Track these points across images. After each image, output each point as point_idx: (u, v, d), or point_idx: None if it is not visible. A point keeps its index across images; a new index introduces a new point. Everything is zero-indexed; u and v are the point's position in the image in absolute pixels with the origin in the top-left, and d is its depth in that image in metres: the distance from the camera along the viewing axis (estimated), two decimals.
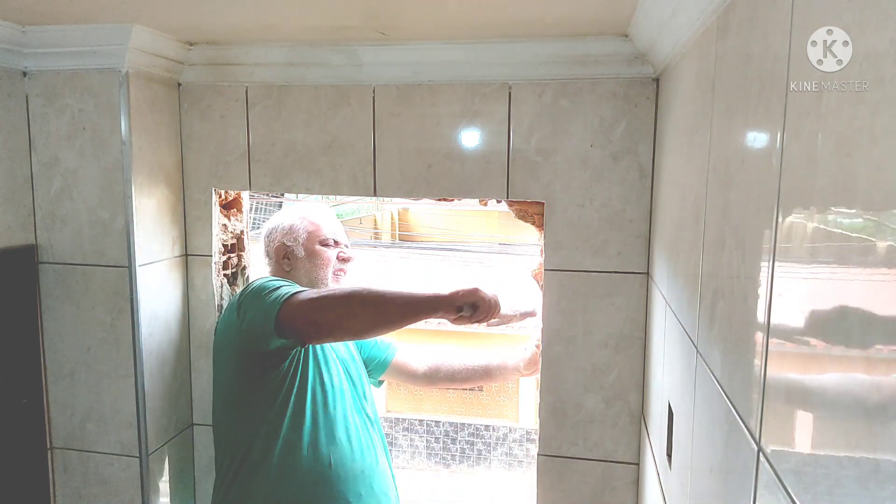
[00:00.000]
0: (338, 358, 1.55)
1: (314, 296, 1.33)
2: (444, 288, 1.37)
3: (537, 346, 1.64)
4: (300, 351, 1.43)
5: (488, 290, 1.39)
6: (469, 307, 1.36)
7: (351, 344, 1.66)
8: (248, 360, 1.40)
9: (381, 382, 1.80)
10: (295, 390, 1.42)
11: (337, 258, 1.59)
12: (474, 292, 1.36)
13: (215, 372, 1.50)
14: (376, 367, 1.75)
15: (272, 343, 1.34)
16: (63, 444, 1.63)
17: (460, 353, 1.81)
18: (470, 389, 10.34)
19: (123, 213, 1.50)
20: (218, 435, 1.50)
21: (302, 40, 1.51)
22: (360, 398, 1.56)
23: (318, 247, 1.57)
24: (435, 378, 1.79)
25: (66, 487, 1.64)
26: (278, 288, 1.37)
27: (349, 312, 1.32)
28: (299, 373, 1.43)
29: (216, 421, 1.51)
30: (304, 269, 1.56)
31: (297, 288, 1.38)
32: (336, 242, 1.60)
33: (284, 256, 1.58)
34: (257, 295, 1.38)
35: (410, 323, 1.34)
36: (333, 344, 1.55)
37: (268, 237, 1.62)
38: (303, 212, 1.62)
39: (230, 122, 1.63)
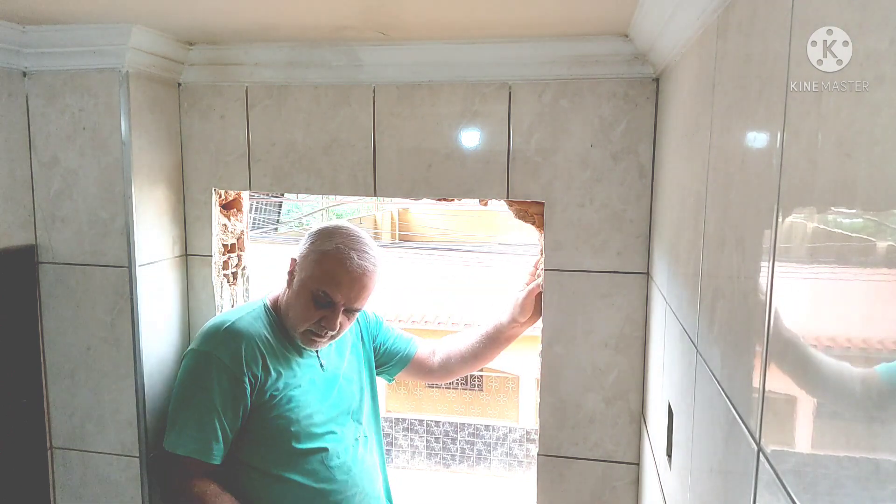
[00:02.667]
0: (320, 391, 1.48)
1: (183, 485, 1.36)
2: None
3: (528, 292, 1.60)
4: (253, 412, 1.40)
5: None
6: None
7: (351, 355, 1.59)
8: None
9: (392, 378, 1.77)
10: (271, 434, 1.40)
11: (320, 320, 1.39)
12: None
13: None
14: (398, 362, 1.70)
15: None
16: (63, 444, 1.63)
17: (460, 335, 1.77)
18: (470, 389, 10.35)
19: (123, 213, 1.50)
20: None
21: (302, 40, 1.51)
22: (354, 420, 1.52)
23: (305, 292, 1.40)
24: (449, 367, 1.73)
25: (66, 487, 1.64)
26: (186, 419, 1.37)
27: None
28: (260, 428, 1.40)
29: None
30: (289, 302, 1.44)
31: (195, 443, 1.36)
32: (331, 303, 1.39)
33: (291, 273, 1.47)
34: (177, 390, 1.42)
35: None
36: (320, 370, 1.49)
37: (304, 237, 1.49)
38: (330, 245, 1.41)
39: (230, 122, 1.63)
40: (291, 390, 1.42)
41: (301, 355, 1.47)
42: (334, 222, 1.52)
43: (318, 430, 1.44)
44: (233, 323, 1.42)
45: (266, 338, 1.43)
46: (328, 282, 1.38)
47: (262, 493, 1.41)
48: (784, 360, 0.59)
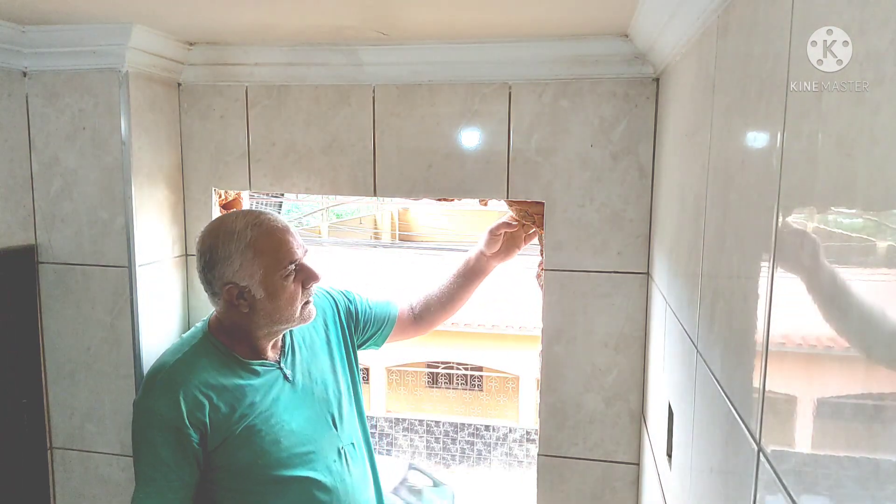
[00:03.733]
0: (289, 408, 1.37)
1: None
2: None
3: (497, 224, 1.61)
4: (216, 452, 1.30)
5: None
6: None
7: (322, 355, 1.49)
8: None
9: (380, 346, 1.69)
10: (242, 463, 1.32)
11: (303, 288, 1.33)
12: None
13: None
14: (384, 328, 1.63)
15: None
16: (63, 444, 1.63)
17: (433, 282, 1.72)
18: (470, 389, 10.35)
19: (123, 213, 1.50)
20: None
21: (302, 40, 1.51)
22: (336, 428, 1.43)
23: (280, 282, 1.30)
24: (429, 316, 1.68)
25: (66, 487, 1.64)
26: (140, 474, 1.28)
27: None
28: (234, 459, 1.31)
29: None
30: (265, 310, 1.31)
31: (146, 501, 1.27)
32: (298, 264, 1.32)
33: (239, 297, 1.30)
34: (132, 442, 1.31)
35: None
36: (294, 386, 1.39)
37: (207, 273, 1.31)
38: (248, 236, 1.29)
39: (230, 122, 1.63)
40: (251, 420, 1.30)
41: (259, 375, 1.35)
42: (209, 227, 1.36)
43: (294, 452, 1.34)
44: (170, 368, 1.30)
45: (211, 373, 1.31)
46: (282, 254, 1.30)
47: None
48: (784, 360, 0.59)
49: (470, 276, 1.67)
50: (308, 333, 1.47)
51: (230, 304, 1.31)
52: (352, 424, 1.48)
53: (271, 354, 1.39)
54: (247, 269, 1.28)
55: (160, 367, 1.31)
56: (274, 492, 1.32)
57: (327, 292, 1.59)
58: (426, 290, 1.71)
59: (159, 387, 1.29)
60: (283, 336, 1.41)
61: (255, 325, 1.33)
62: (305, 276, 1.33)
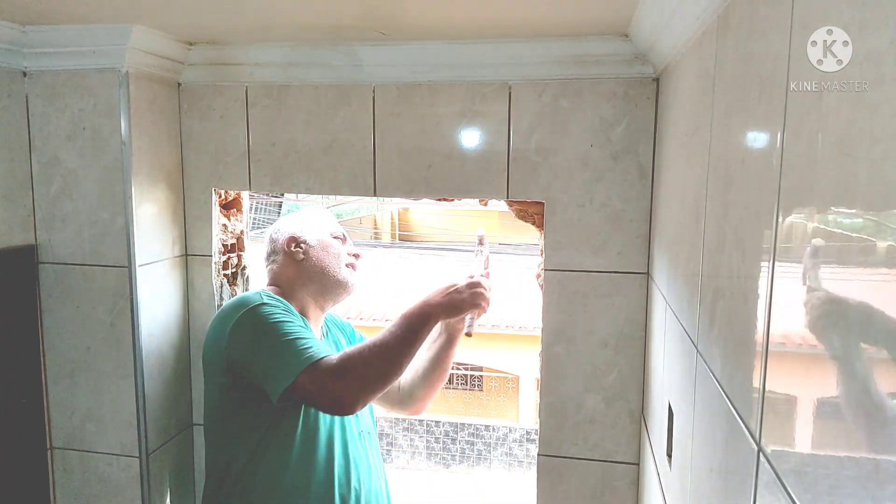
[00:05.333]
0: None
1: (338, 369, 1.27)
2: (420, 300, 1.39)
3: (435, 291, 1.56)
4: None
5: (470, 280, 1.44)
6: (471, 304, 1.40)
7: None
8: (234, 384, 1.36)
9: None
10: (285, 417, 1.37)
11: (347, 253, 1.56)
12: (472, 288, 1.42)
13: (205, 381, 1.46)
14: None
15: (272, 398, 1.28)
16: (63, 444, 1.63)
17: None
18: (470, 389, 10.35)
19: (123, 213, 1.50)
20: (206, 443, 1.47)
21: (302, 40, 1.51)
22: (358, 416, 1.52)
23: (330, 238, 1.54)
24: (416, 392, 1.63)
25: (66, 487, 1.64)
26: (292, 340, 1.29)
27: (376, 375, 1.29)
28: (290, 407, 1.37)
29: (205, 429, 1.48)
30: (316, 258, 1.50)
31: (315, 349, 1.29)
32: (344, 238, 1.58)
33: (296, 246, 1.51)
34: (261, 336, 1.31)
35: (416, 350, 1.35)
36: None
37: (275, 233, 1.55)
38: (308, 214, 1.59)
39: (230, 122, 1.63)
40: None
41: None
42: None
43: (334, 423, 1.43)
44: (266, 293, 1.42)
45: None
46: (332, 224, 1.58)
47: (282, 482, 1.37)
48: (784, 360, 0.59)
49: (445, 346, 1.59)
50: (334, 332, 1.61)
51: (288, 254, 1.51)
52: (367, 419, 1.58)
53: (315, 330, 1.50)
54: (305, 228, 1.53)
55: (257, 293, 1.42)
56: (312, 453, 1.39)
57: (345, 323, 1.74)
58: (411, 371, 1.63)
59: (268, 297, 1.40)
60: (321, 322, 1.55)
61: (308, 277, 1.49)
62: (349, 246, 1.57)
